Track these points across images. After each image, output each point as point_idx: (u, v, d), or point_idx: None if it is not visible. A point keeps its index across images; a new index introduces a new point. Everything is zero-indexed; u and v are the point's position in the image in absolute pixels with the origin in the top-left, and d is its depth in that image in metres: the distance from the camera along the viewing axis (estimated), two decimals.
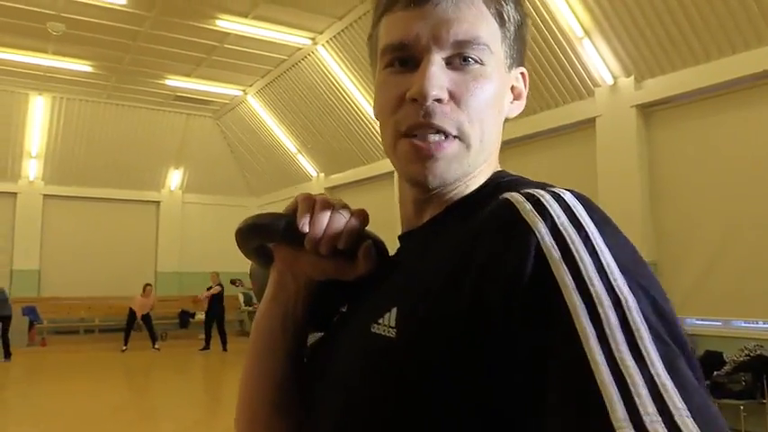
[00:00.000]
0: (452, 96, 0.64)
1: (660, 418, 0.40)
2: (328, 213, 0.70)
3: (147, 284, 13.04)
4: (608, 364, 0.43)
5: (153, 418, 7.30)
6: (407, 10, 0.65)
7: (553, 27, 6.94)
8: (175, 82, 12.09)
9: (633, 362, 0.43)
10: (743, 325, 5.93)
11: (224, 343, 12.39)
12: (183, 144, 14.72)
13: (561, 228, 0.51)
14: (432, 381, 0.54)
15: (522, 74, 0.74)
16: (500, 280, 0.51)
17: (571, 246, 0.49)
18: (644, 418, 0.40)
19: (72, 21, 9.16)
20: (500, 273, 0.51)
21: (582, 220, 0.52)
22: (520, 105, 0.74)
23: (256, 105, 13.19)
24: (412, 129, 0.65)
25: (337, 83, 10.59)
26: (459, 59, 0.65)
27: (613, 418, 0.40)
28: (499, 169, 0.74)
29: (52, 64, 10.93)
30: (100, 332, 13.76)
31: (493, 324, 0.51)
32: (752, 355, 5.46)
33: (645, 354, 0.43)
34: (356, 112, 10.81)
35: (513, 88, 0.73)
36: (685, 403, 0.41)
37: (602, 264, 0.48)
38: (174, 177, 15.43)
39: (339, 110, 11.10)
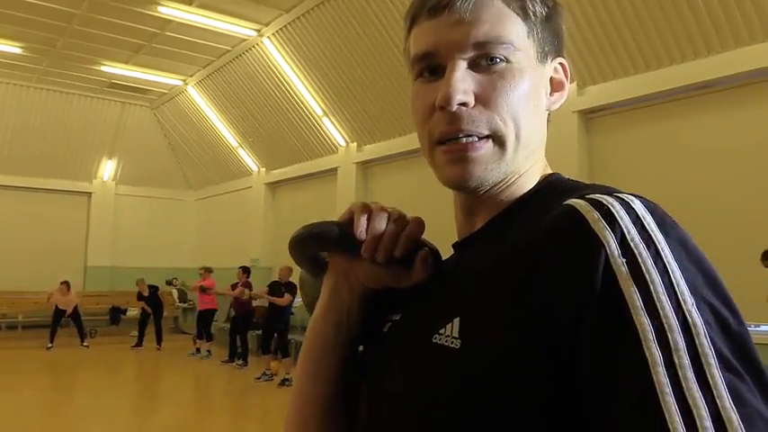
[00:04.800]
0: (480, 98, 0.64)
1: None
2: (384, 221, 0.69)
3: (64, 282, 11.80)
4: (674, 393, 0.42)
5: (82, 419, 7.00)
6: (429, 20, 0.66)
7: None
8: (111, 69, 11.62)
9: (699, 392, 0.42)
10: None
11: (159, 340, 12.00)
12: (117, 133, 14.16)
13: (631, 243, 0.49)
14: (492, 392, 0.54)
15: (560, 64, 0.72)
16: (569, 295, 0.50)
17: (641, 263, 0.48)
18: None
19: None
20: (569, 287, 0.50)
21: (652, 234, 0.50)
22: (561, 95, 0.72)
23: (196, 96, 12.84)
24: (443, 136, 0.65)
25: (282, 76, 10.43)
26: (485, 60, 0.64)
27: None
28: (550, 172, 0.72)
29: None
30: (23, 329, 13.05)
31: (561, 338, 0.50)
32: None
33: (711, 383, 0.42)
34: (300, 107, 10.68)
35: (551, 80, 0.71)
36: None
37: (672, 283, 0.47)
38: (108, 168, 14.82)
39: (283, 104, 10.94)
